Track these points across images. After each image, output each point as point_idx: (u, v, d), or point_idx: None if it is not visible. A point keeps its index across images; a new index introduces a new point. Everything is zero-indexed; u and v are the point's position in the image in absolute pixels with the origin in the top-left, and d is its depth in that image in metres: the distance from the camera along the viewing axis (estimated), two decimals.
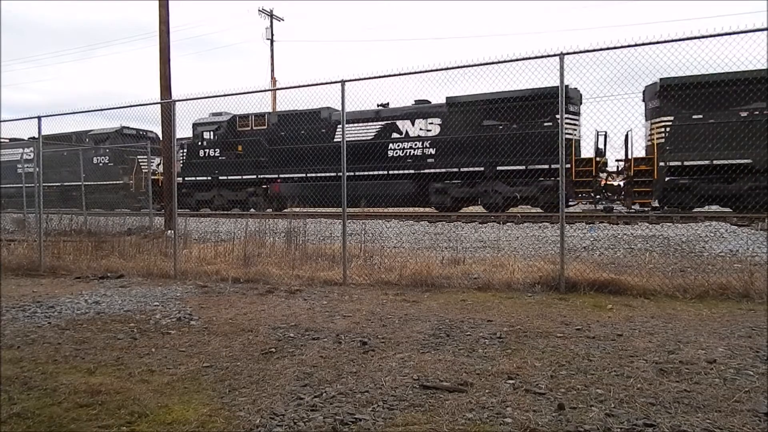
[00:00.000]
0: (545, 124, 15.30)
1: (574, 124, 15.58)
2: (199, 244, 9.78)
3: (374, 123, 18.18)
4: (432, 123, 17.44)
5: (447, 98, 16.85)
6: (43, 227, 9.30)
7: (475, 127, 16.53)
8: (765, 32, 5.10)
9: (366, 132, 18.30)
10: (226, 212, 20.91)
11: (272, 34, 34.27)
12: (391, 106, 17.93)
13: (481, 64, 6.28)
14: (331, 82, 6.84)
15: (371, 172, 17.51)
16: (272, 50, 34.24)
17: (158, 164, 22.93)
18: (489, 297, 5.71)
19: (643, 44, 5.47)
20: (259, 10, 34.22)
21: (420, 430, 2.56)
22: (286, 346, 4.00)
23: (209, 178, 21.54)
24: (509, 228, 12.20)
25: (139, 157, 23.16)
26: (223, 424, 2.65)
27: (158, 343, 4.15)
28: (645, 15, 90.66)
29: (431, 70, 6.45)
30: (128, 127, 24.39)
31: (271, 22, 34.49)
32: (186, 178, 21.63)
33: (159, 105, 11.14)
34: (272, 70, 34.00)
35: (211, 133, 21.70)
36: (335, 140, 17.82)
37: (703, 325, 4.37)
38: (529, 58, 6.01)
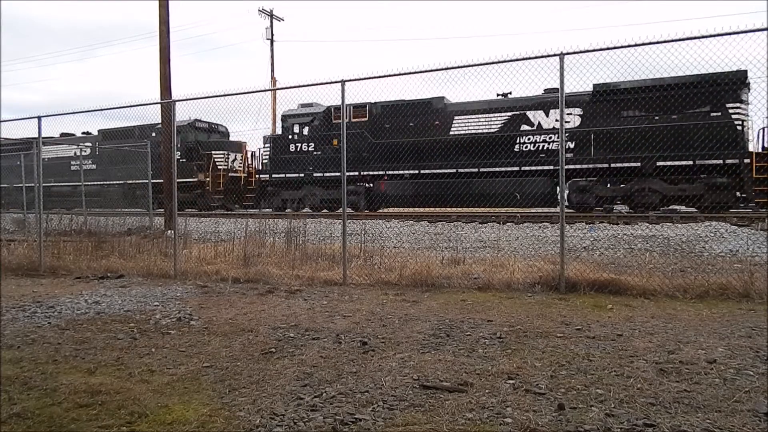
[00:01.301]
0: (712, 114, 13.69)
1: (746, 113, 13.75)
2: (199, 244, 9.78)
3: (497, 114, 16.38)
4: (570, 114, 15.48)
5: (594, 85, 14.55)
6: (43, 227, 9.30)
7: (627, 118, 14.74)
8: (765, 32, 5.10)
9: (488, 124, 16.51)
10: (226, 212, 20.61)
11: (272, 34, 34.29)
12: (515, 95, 15.79)
13: (481, 64, 6.29)
14: (331, 82, 6.85)
15: (496, 168, 15.66)
16: (272, 50, 34.27)
17: (233, 160, 22.14)
18: (489, 297, 5.70)
19: (643, 44, 5.47)
20: (259, 10, 34.23)
21: (420, 430, 2.56)
22: (286, 346, 4.00)
23: (301, 175, 19.53)
24: (509, 228, 12.21)
25: (214, 152, 21.90)
26: (223, 424, 2.65)
27: (158, 343, 4.15)
28: (645, 15, 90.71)
29: (431, 70, 6.45)
30: (201, 120, 22.90)
31: (271, 22, 34.52)
32: (273, 176, 20.14)
33: (159, 105, 11.15)
34: (272, 70, 34.02)
35: (303, 125, 19.92)
36: (451, 133, 16.54)
37: (703, 325, 4.37)
38: (529, 58, 6.02)
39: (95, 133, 24.23)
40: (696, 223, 11.43)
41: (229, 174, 22.15)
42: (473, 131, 16.37)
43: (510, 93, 15.74)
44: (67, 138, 25.88)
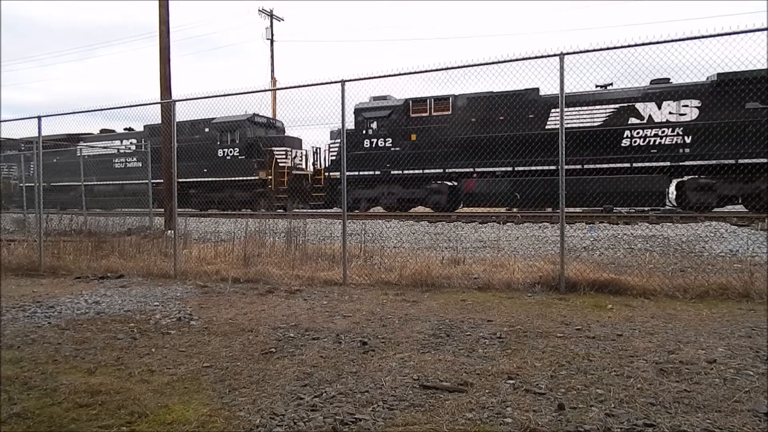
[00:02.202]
0: None
1: None
2: (199, 244, 9.78)
3: (601, 106, 15.20)
4: (687, 105, 14.36)
5: (718, 74, 13.46)
6: (43, 227, 9.30)
7: (754, 110, 13.54)
8: (765, 32, 5.10)
9: (590, 117, 15.30)
10: (226, 212, 20.17)
11: (272, 34, 34.28)
12: (618, 86, 14.98)
13: (481, 64, 6.28)
14: (331, 82, 6.84)
15: (602, 165, 14.56)
16: (272, 50, 34.27)
17: (294, 157, 20.79)
18: (489, 297, 5.70)
19: (643, 44, 5.47)
20: (259, 10, 34.22)
21: (420, 430, 2.56)
22: (286, 346, 4.00)
23: (377, 172, 18.00)
24: (509, 228, 12.21)
25: (275, 149, 20.43)
26: (223, 424, 2.65)
27: (158, 343, 4.15)
28: (645, 15, 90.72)
29: (431, 70, 6.45)
30: (259, 115, 21.47)
31: (271, 22, 34.52)
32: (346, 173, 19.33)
33: (159, 105, 11.15)
34: (272, 70, 34.02)
35: (378, 120, 18.30)
36: (548, 127, 15.35)
37: (703, 325, 4.37)
38: (529, 58, 6.02)
39: (139, 129, 23.04)
40: (696, 223, 11.43)
41: (293, 172, 20.67)
42: (574, 125, 15.00)
43: (611, 84, 15.11)
44: (107, 134, 24.76)
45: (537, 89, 15.62)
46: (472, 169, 16.52)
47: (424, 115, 17.61)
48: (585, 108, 15.23)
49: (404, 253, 8.14)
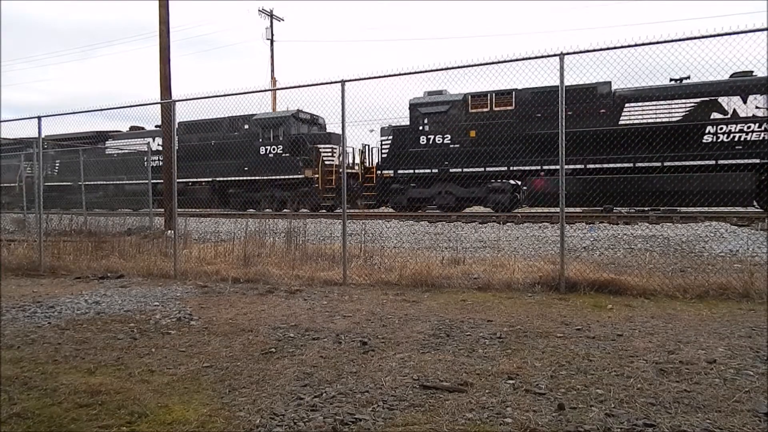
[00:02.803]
0: None
1: None
2: (199, 244, 9.79)
3: (679, 101, 14.34)
4: None
5: None
6: (43, 227, 9.30)
7: None
8: (765, 32, 5.10)
9: (668, 112, 14.43)
10: (226, 212, 19.98)
11: (272, 34, 34.30)
12: (693, 80, 14.21)
13: (481, 64, 6.29)
14: (331, 82, 6.84)
15: (682, 163, 13.83)
16: (272, 50, 34.28)
17: (339, 155, 19.42)
18: (489, 297, 5.70)
19: (643, 44, 5.47)
20: (259, 10, 34.24)
21: (420, 430, 2.56)
22: (286, 346, 4.00)
23: (435, 170, 17.06)
24: (509, 228, 12.21)
25: (321, 146, 19.49)
26: (223, 424, 2.65)
27: (158, 343, 4.15)
28: (645, 15, 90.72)
29: (431, 70, 6.45)
30: (303, 111, 20.37)
31: (271, 22, 34.52)
32: (399, 171, 17.68)
33: (159, 105, 11.16)
34: (272, 70, 34.03)
35: (435, 115, 17.33)
36: (621, 122, 14.67)
37: (703, 325, 4.37)
38: (529, 58, 6.01)
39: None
40: (696, 223, 11.43)
41: (340, 170, 20.52)
42: (650, 120, 14.35)
43: (688, 77, 14.38)
44: (137, 132, 23.78)
45: (609, 83, 14.81)
46: (539, 167, 15.42)
47: (484, 110, 16.69)
48: (662, 103, 14.42)
49: (404, 253, 8.14)
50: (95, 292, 6.42)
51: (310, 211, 18.62)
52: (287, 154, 19.80)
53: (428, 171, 17.20)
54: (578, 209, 15.16)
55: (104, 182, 22.77)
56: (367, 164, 19.66)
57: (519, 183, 16.52)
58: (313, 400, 2.94)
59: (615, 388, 3.01)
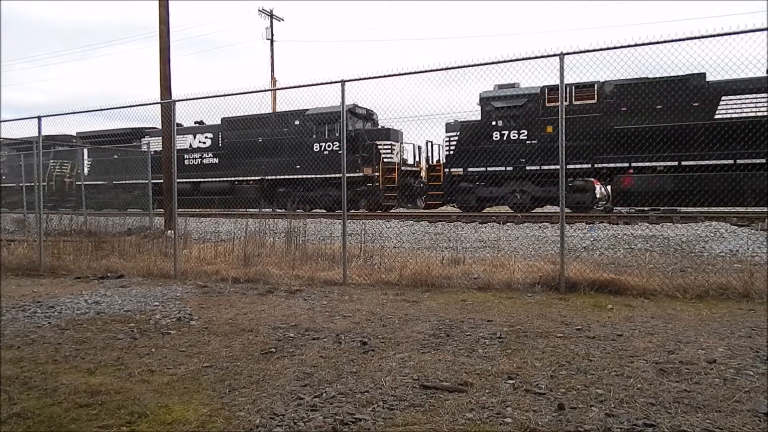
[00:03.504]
0: None
1: None
2: (199, 244, 9.79)
3: None
4: None
5: None
6: (43, 227, 9.30)
7: None
8: (765, 32, 5.10)
9: None
10: (227, 212, 19.47)
11: (272, 34, 34.29)
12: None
13: (481, 64, 6.29)
14: (331, 82, 6.84)
15: None
16: (272, 50, 34.27)
17: (399, 152, 18.34)
18: (489, 297, 5.70)
19: (643, 44, 5.47)
20: (259, 10, 34.23)
21: (420, 430, 2.56)
22: (286, 346, 4.00)
23: (509, 168, 15.95)
24: (509, 228, 12.21)
25: (380, 143, 18.36)
26: (223, 424, 2.65)
27: (158, 343, 4.15)
28: (645, 15, 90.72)
29: (431, 70, 6.45)
30: (359, 106, 19.16)
31: (271, 22, 34.52)
32: (469, 169, 16.55)
33: (159, 105, 11.16)
34: (272, 70, 34.02)
35: (509, 110, 16.30)
36: (717, 116, 13.62)
37: (703, 325, 4.37)
38: (529, 58, 6.02)
39: (213, 122, 20.62)
40: (696, 223, 11.43)
41: (402, 168, 18.60)
42: (749, 114, 13.34)
43: None
44: (184, 127, 21.98)
45: (703, 74, 13.79)
46: (627, 164, 14.45)
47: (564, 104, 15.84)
48: (762, 96, 13.38)
49: (404, 253, 8.14)
50: (95, 292, 6.42)
51: (367, 211, 17.72)
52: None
53: (502, 169, 16.03)
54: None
55: (141, 180, 21.33)
56: (431, 162, 18.43)
57: (593, 181, 15.54)
58: (313, 400, 2.94)
59: (615, 388, 3.01)
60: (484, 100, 16.79)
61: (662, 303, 5.24)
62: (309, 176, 18.93)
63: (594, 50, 5.70)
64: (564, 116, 5.93)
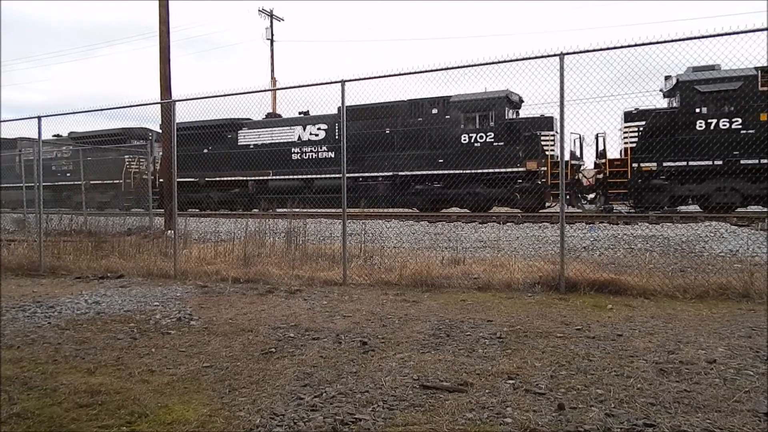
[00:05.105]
0: None
1: None
2: (199, 244, 9.78)
3: None
4: None
5: None
6: (43, 227, 9.30)
7: None
8: (765, 32, 5.10)
9: None
10: (228, 212, 19.13)
11: (272, 34, 34.27)
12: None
13: (481, 64, 6.28)
14: (331, 82, 6.84)
15: None
16: (272, 50, 34.26)
17: (552, 146, 15.78)
18: (489, 297, 5.70)
19: (643, 44, 5.47)
20: (259, 10, 34.21)
21: (420, 430, 2.56)
22: (286, 346, 4.00)
23: (718, 162, 13.62)
24: (509, 228, 12.20)
25: (543, 133, 16.04)
26: (223, 424, 2.65)
27: (158, 343, 4.15)
28: (645, 15, 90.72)
29: (431, 70, 6.45)
30: (512, 92, 16.89)
31: (271, 22, 34.51)
32: (665, 164, 14.26)
33: (159, 105, 11.16)
34: (272, 70, 34.01)
35: (718, 95, 14.06)
36: None
37: (703, 325, 4.37)
38: (529, 58, 6.02)
39: (324, 112, 17.63)
40: (696, 223, 11.42)
41: (572, 162, 15.85)
42: None
43: None
44: (275, 120, 20.65)
45: None
46: None
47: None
48: None
49: (404, 253, 8.14)
50: (95, 292, 6.42)
51: (523, 211, 15.62)
52: (501, 143, 16.15)
53: (709, 163, 13.71)
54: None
55: (240, 177, 19.72)
56: (599, 156, 16.21)
57: None
58: (313, 400, 2.94)
59: (615, 388, 3.01)
60: (684, 85, 14.39)
61: (662, 303, 5.24)
62: (456, 172, 16.33)
63: (594, 50, 5.70)
64: (563, 114, 5.89)
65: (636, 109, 14.99)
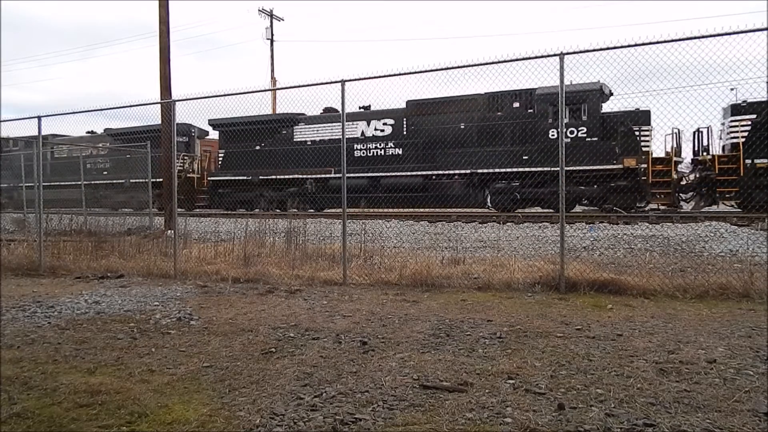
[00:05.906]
0: None
1: None
2: (199, 244, 9.78)
3: None
4: None
5: None
6: (43, 227, 9.29)
7: None
8: (765, 32, 5.10)
9: None
10: (229, 212, 18.92)
11: (272, 34, 34.31)
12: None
13: (481, 64, 6.29)
14: (331, 82, 6.84)
15: None
16: (272, 50, 34.28)
17: (649, 142, 14.65)
18: (489, 297, 5.70)
19: (643, 44, 5.47)
20: (259, 10, 34.24)
21: (420, 430, 2.56)
22: (286, 346, 4.00)
23: None
24: (509, 228, 12.20)
25: (642, 128, 14.86)
26: (223, 424, 2.65)
27: (158, 343, 4.15)
28: (645, 15, 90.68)
29: (431, 70, 6.45)
30: (604, 84, 15.43)
31: (271, 22, 34.53)
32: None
33: (159, 105, 11.16)
34: (272, 70, 34.03)
35: None
36: None
37: (703, 325, 4.37)
38: (529, 58, 6.02)
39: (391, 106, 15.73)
40: (696, 223, 11.42)
41: (674, 159, 14.53)
42: None
43: None
44: (333, 115, 18.61)
45: None
46: None
47: None
48: None
49: (404, 253, 8.14)
50: (95, 292, 6.42)
51: (625, 211, 14.54)
52: (595, 139, 15.04)
53: None
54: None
55: (300, 176, 18.54)
56: (696, 152, 15.04)
57: None
58: (313, 399, 2.94)
59: (615, 388, 3.01)
60: None
61: (662, 303, 5.24)
62: (546, 169, 14.65)
63: (594, 50, 5.70)
64: (563, 115, 5.89)
65: (745, 101, 13.81)
